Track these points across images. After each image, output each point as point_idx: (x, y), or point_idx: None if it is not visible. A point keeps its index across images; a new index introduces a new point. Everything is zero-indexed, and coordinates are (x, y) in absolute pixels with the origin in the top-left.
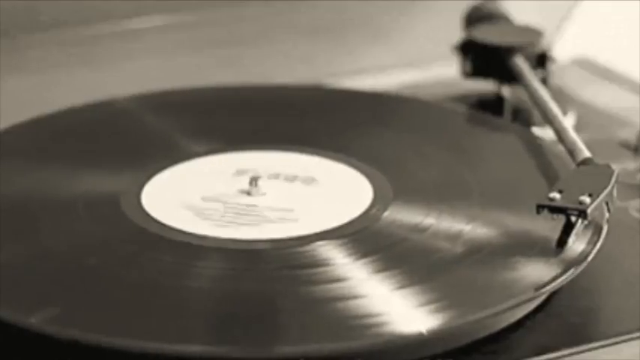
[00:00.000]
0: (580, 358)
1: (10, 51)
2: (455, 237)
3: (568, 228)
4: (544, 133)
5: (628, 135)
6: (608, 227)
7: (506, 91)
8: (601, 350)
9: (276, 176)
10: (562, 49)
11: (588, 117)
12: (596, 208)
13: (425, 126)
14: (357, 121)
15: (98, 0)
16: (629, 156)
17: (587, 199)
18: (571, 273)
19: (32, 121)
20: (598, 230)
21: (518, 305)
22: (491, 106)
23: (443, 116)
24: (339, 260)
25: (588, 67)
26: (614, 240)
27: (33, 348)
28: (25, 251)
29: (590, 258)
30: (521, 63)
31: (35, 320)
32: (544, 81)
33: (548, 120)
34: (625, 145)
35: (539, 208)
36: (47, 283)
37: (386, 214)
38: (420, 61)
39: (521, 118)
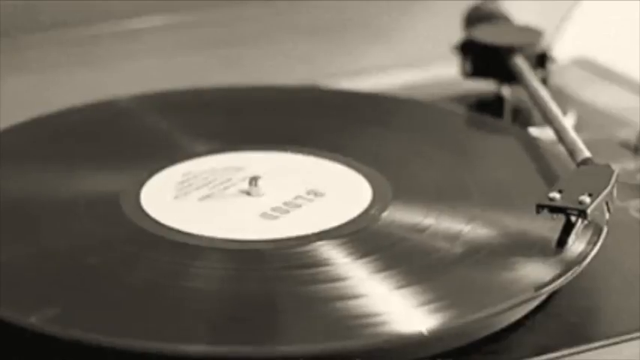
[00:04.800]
0: (580, 358)
1: (10, 51)
2: (454, 237)
3: (568, 228)
4: (543, 133)
5: (628, 135)
6: (608, 227)
7: (506, 91)
8: (601, 350)
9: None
10: (562, 49)
11: (588, 117)
12: (596, 208)
13: (423, 127)
14: (356, 122)
15: (98, 0)
16: (629, 156)
17: (587, 199)
18: (571, 273)
19: (32, 121)
20: (598, 230)
21: (517, 305)
22: (491, 106)
23: (441, 117)
24: (339, 260)
25: (588, 67)
26: (614, 240)
27: (33, 348)
28: (25, 251)
29: (590, 258)
30: (521, 63)
31: (35, 320)
32: (544, 81)
33: (548, 120)
34: (625, 145)
35: (539, 207)
36: (47, 283)
37: (385, 214)
38: (420, 61)
39: (521, 118)
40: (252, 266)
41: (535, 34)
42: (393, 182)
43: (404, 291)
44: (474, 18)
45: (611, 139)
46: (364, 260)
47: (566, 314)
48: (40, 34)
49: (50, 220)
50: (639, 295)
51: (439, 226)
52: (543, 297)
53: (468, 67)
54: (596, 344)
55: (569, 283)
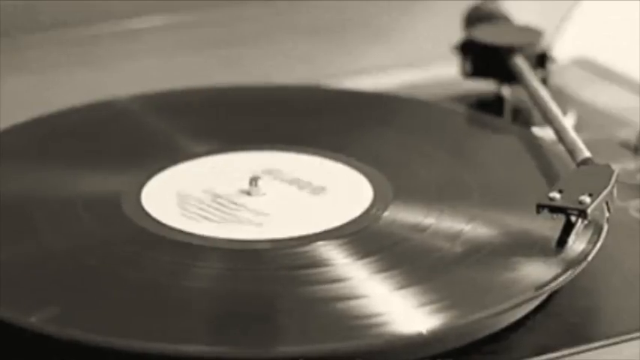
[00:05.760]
0: (580, 358)
1: (10, 51)
2: (455, 237)
3: (568, 228)
4: (544, 133)
5: (628, 135)
6: (608, 227)
7: (506, 91)
8: (601, 350)
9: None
10: (562, 49)
11: (588, 117)
12: (596, 208)
13: (425, 126)
14: (356, 122)
15: (98, 0)
16: (629, 156)
17: (587, 199)
18: (571, 273)
19: (32, 121)
20: (598, 230)
21: (518, 305)
22: (491, 106)
23: (442, 116)
24: (339, 260)
25: (588, 67)
26: (614, 240)
27: (33, 348)
28: (25, 251)
29: (590, 258)
30: (521, 63)
31: (35, 320)
32: (544, 81)
33: (548, 120)
34: (625, 145)
35: (539, 207)
36: (47, 283)
37: (386, 213)
38: (420, 61)
39: (521, 118)
40: (252, 266)
41: (535, 34)
42: (393, 182)
43: (404, 291)
44: (474, 18)
45: (611, 139)
46: (365, 260)
47: (566, 314)
48: (40, 34)
49: (50, 220)
50: (639, 295)
51: (440, 225)
52: (544, 297)
53: (468, 67)
54: (596, 344)
55: (569, 283)
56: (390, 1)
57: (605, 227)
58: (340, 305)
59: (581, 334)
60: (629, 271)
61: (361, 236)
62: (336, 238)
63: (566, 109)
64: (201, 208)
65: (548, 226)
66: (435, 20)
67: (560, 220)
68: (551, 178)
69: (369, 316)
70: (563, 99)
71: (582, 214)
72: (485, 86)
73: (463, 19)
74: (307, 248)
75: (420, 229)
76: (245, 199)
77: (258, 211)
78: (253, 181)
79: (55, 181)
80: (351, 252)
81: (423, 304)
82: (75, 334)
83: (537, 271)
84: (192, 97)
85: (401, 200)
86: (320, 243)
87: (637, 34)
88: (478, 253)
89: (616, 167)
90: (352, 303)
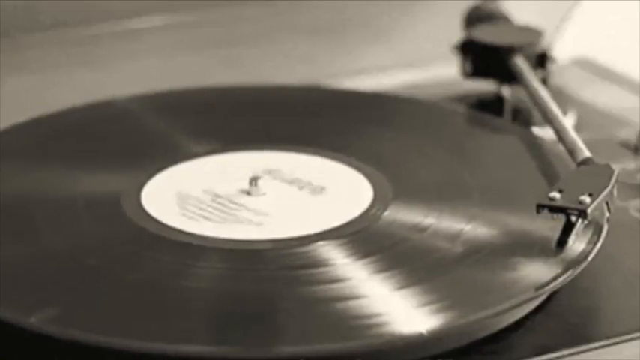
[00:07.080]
0: (580, 358)
1: (10, 51)
2: (455, 237)
3: (568, 228)
4: (544, 133)
5: (628, 135)
6: (608, 227)
7: (506, 91)
8: (601, 350)
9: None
10: (562, 49)
11: (588, 117)
12: (596, 208)
13: (425, 126)
14: (356, 122)
15: (98, 0)
16: (629, 156)
17: (587, 199)
18: (571, 273)
19: (32, 121)
20: (598, 230)
21: (518, 305)
22: (491, 106)
23: (443, 116)
24: (339, 260)
25: (588, 67)
26: (614, 240)
27: (33, 348)
28: (25, 251)
29: (590, 258)
30: (521, 63)
31: (35, 320)
32: (544, 81)
33: (548, 120)
34: (625, 145)
35: (539, 207)
36: (47, 283)
37: (386, 214)
38: (420, 61)
39: (521, 118)
40: (252, 266)
41: (535, 34)
42: (393, 182)
43: (404, 291)
44: (474, 18)
45: (611, 139)
46: (365, 260)
47: (566, 314)
48: (40, 34)
49: (50, 221)
50: (639, 295)
51: (440, 225)
52: (543, 297)
53: (468, 67)
54: (596, 344)
55: (569, 283)
56: (390, 1)
57: (605, 227)
58: (340, 305)
59: (581, 334)
60: (629, 271)
61: (361, 236)
62: (336, 238)
63: (566, 109)
64: (201, 209)
65: (548, 226)
66: (435, 20)
67: (560, 220)
68: (551, 178)
69: (369, 316)
70: (563, 99)
71: (582, 214)
72: (485, 86)
73: (463, 19)
74: (307, 248)
75: (420, 229)
76: (245, 199)
77: (258, 211)
78: (253, 181)
79: (55, 181)
80: (351, 252)
81: (423, 304)
82: (75, 334)
83: (537, 272)
84: (192, 97)
85: (401, 200)
86: (320, 243)
87: (637, 34)
88: (478, 253)
89: (616, 167)
90: (352, 303)
